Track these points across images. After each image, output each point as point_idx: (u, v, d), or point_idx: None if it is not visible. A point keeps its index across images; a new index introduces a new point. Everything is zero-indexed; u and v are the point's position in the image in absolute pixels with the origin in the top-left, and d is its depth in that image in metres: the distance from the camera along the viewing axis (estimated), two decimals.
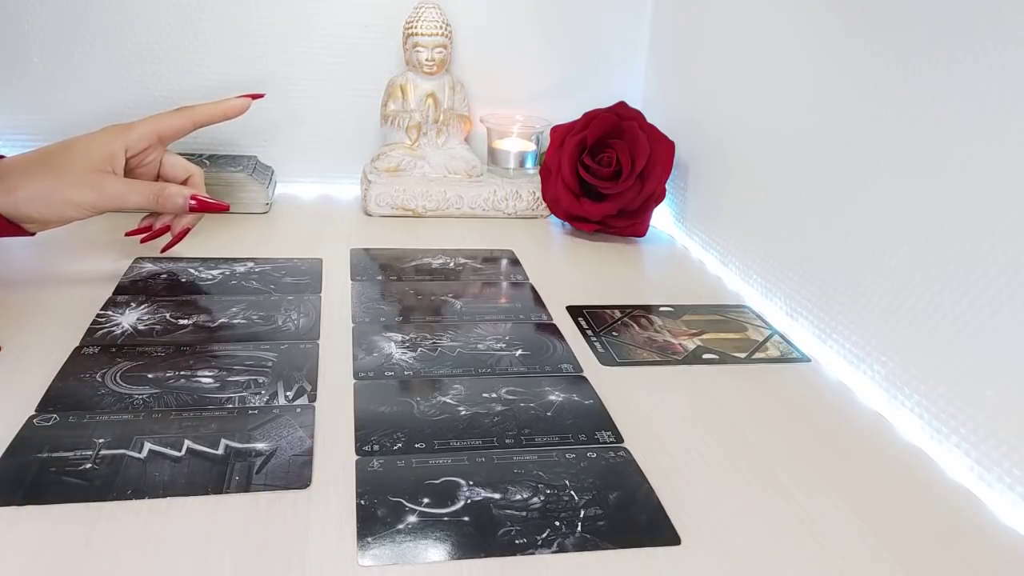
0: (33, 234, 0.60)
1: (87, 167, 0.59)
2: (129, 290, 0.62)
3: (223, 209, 0.64)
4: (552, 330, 0.61)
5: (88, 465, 0.41)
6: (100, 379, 0.49)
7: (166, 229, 0.66)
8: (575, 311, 0.64)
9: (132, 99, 0.87)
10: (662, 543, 0.38)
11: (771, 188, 0.68)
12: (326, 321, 0.59)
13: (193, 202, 0.63)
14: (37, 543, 0.36)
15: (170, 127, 0.65)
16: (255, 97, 0.70)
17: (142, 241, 0.66)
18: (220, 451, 0.43)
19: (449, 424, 0.47)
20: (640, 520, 0.40)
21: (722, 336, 0.62)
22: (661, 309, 0.66)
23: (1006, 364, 0.43)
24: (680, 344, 0.60)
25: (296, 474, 0.41)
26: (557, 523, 0.39)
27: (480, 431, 0.46)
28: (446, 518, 0.39)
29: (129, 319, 0.57)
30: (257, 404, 0.48)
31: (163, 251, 0.68)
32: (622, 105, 0.82)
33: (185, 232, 0.67)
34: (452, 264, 0.73)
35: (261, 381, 0.50)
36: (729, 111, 0.76)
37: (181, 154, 0.87)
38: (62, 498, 0.38)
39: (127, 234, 0.67)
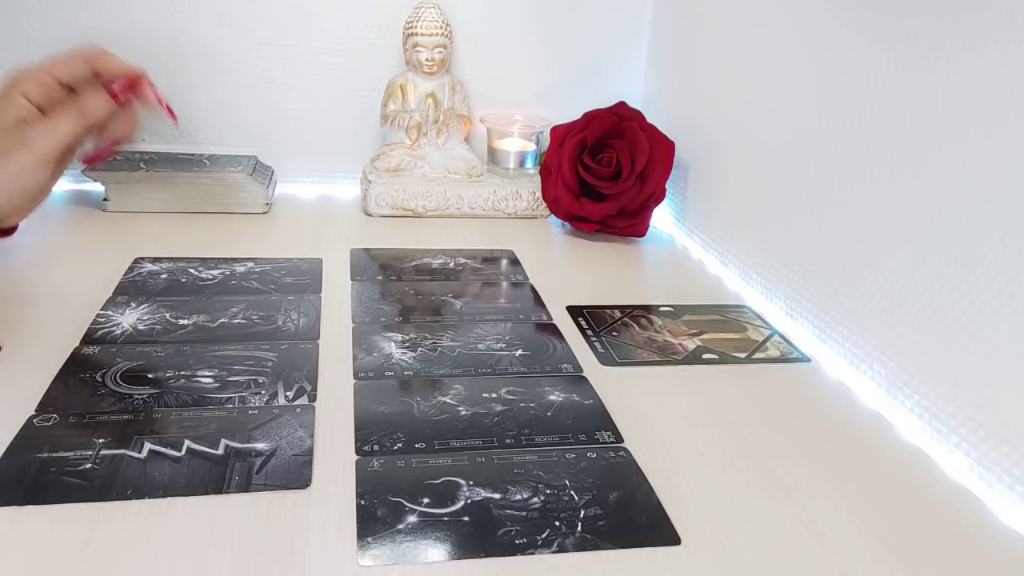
0: (11, 232, 0.58)
1: (7, 133, 0.54)
2: (129, 290, 0.62)
3: (139, 80, 0.58)
4: (552, 330, 0.61)
5: (88, 465, 0.41)
6: (100, 379, 0.49)
7: (112, 143, 0.61)
8: (575, 311, 0.64)
9: None
10: (662, 543, 0.38)
11: (771, 188, 0.68)
12: (326, 321, 0.59)
13: (115, 90, 0.57)
14: (37, 543, 0.36)
15: (70, 72, 0.57)
16: (166, 108, 0.62)
17: (89, 162, 0.61)
18: (220, 451, 0.43)
19: (449, 424, 0.47)
20: (640, 520, 0.40)
21: (722, 336, 0.62)
22: (661, 309, 0.66)
23: (1006, 364, 0.43)
24: (680, 344, 0.60)
25: (296, 474, 0.41)
26: (557, 523, 0.39)
27: (480, 431, 0.46)
28: (446, 518, 0.39)
29: (129, 319, 0.57)
30: (257, 404, 0.48)
31: (91, 161, 0.62)
32: (622, 105, 0.82)
33: (116, 142, 0.61)
34: (452, 264, 0.73)
35: (261, 381, 0.50)
36: (729, 111, 0.76)
37: (180, 154, 0.87)
38: (62, 498, 0.38)
39: (83, 164, 0.61)
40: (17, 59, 0.83)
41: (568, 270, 0.75)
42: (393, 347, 0.56)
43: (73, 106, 0.56)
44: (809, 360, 0.59)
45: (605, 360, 0.56)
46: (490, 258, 0.75)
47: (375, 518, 0.38)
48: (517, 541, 0.38)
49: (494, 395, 0.51)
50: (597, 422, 0.48)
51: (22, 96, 0.55)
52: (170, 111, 0.62)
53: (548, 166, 0.83)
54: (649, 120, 0.82)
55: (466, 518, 0.39)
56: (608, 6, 0.93)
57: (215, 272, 0.67)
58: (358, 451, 0.44)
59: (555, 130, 0.84)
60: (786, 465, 0.45)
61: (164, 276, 0.65)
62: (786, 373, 0.57)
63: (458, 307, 0.64)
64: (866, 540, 0.40)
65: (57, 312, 0.58)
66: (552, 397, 0.51)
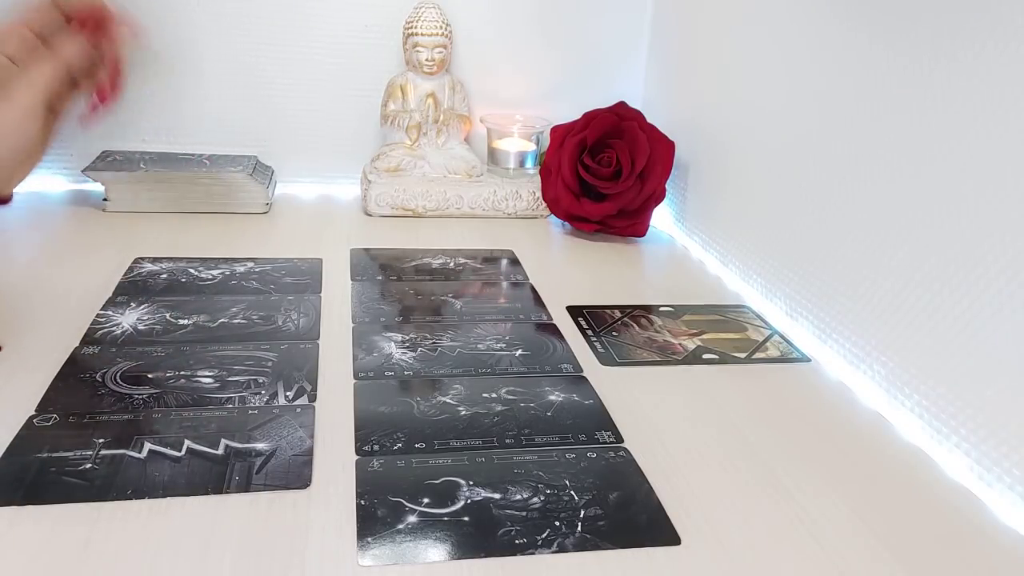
0: (7, 201, 0.55)
1: None
2: (129, 290, 0.62)
3: (104, 17, 0.56)
4: (552, 330, 0.61)
5: (88, 465, 0.41)
6: (100, 379, 0.49)
7: (104, 92, 0.58)
8: (575, 311, 0.64)
9: (131, 98, 0.87)
10: (662, 543, 0.38)
11: (771, 188, 0.68)
12: (326, 321, 0.59)
13: (85, 31, 0.55)
14: (37, 543, 0.36)
15: (40, 21, 0.55)
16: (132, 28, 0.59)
17: (92, 112, 0.58)
18: (220, 451, 0.43)
19: (449, 424, 0.47)
20: (640, 520, 0.40)
21: (722, 336, 0.62)
22: (661, 309, 0.66)
23: (1006, 364, 0.43)
24: (680, 344, 0.60)
25: (296, 474, 0.41)
26: (557, 523, 0.39)
27: (480, 431, 0.46)
28: (446, 518, 0.39)
29: (129, 319, 0.57)
30: (257, 404, 0.48)
31: (87, 118, 0.58)
32: (622, 105, 0.82)
33: (115, 77, 0.58)
34: (452, 264, 0.73)
35: (261, 381, 0.50)
36: (729, 111, 0.76)
37: (180, 154, 0.87)
38: (62, 498, 0.38)
39: (80, 123, 0.58)
40: None
41: (568, 270, 0.75)
42: (393, 347, 0.56)
43: (47, 53, 0.54)
44: (809, 360, 0.58)
45: (605, 360, 0.56)
46: (490, 258, 0.75)
47: (375, 518, 0.38)
48: (517, 541, 0.38)
49: (494, 395, 0.51)
50: (597, 422, 0.48)
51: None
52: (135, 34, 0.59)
53: (548, 166, 0.83)
54: (649, 120, 0.82)
55: (466, 518, 0.39)
56: (608, 6, 0.93)
57: (215, 272, 0.67)
58: (358, 451, 0.44)
59: (555, 130, 0.84)
60: (786, 465, 0.45)
61: (164, 276, 0.65)
62: (786, 373, 0.57)
63: (458, 307, 0.64)
64: (866, 540, 0.40)
65: (57, 312, 0.58)
66: (552, 397, 0.51)
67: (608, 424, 0.48)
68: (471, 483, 0.42)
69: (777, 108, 0.67)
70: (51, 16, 0.56)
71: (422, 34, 0.85)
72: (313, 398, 0.49)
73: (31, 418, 0.45)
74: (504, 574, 0.36)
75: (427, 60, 0.86)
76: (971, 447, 0.46)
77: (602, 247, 0.81)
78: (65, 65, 0.55)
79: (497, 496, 0.41)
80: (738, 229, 0.74)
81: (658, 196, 0.82)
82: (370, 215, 0.85)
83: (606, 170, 0.79)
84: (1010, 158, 0.43)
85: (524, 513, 0.40)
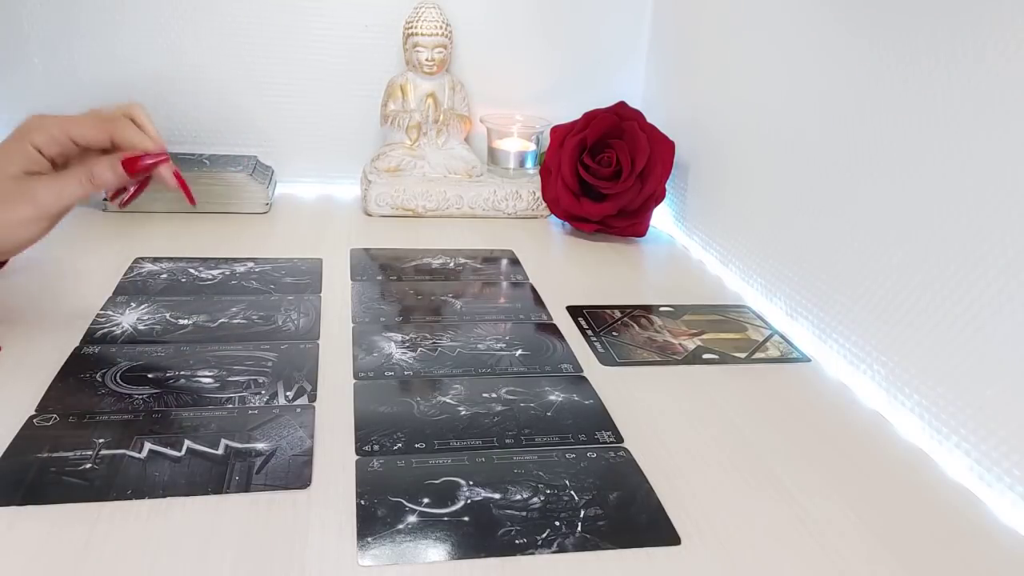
0: (1, 265, 0.57)
1: (12, 182, 0.52)
2: (129, 290, 0.62)
3: (163, 160, 0.56)
4: (552, 330, 0.61)
5: (88, 465, 0.41)
6: (100, 379, 0.49)
7: (141, 189, 0.59)
8: (575, 311, 0.64)
9: (132, 99, 0.87)
10: (662, 543, 0.38)
11: (771, 188, 0.68)
12: (326, 321, 0.59)
13: (126, 169, 0.55)
14: (37, 543, 0.36)
15: (85, 136, 0.55)
16: (184, 189, 0.60)
17: (122, 206, 0.60)
18: (220, 451, 0.43)
19: (449, 424, 0.47)
20: (640, 520, 0.40)
21: (722, 336, 0.62)
22: (661, 309, 0.66)
23: (1006, 364, 0.43)
24: (680, 344, 0.60)
25: (296, 474, 0.41)
26: (557, 523, 0.39)
27: (480, 431, 0.46)
28: (446, 518, 0.39)
29: (129, 319, 0.57)
30: (257, 404, 0.48)
31: (123, 206, 0.60)
32: (622, 105, 0.82)
33: (144, 183, 0.59)
34: (452, 264, 0.73)
35: (261, 381, 0.50)
36: (729, 111, 0.76)
37: (180, 154, 0.87)
38: (62, 498, 0.38)
39: (113, 201, 0.57)
40: (17, 60, 0.84)
41: (568, 270, 0.75)
42: (393, 347, 0.56)
43: (84, 170, 0.54)
44: (809, 360, 0.58)
45: (605, 360, 0.56)
46: (490, 258, 0.75)
47: (375, 518, 0.38)
48: (517, 541, 0.38)
49: (494, 395, 0.51)
50: (597, 422, 0.48)
51: (34, 148, 0.54)
52: (188, 192, 0.59)
53: (548, 166, 0.83)
54: (649, 120, 0.82)
55: (466, 518, 0.39)
56: (608, 6, 0.94)
57: (215, 272, 0.67)
58: (358, 451, 0.44)
59: (555, 130, 0.84)
60: (786, 465, 0.45)
61: (164, 276, 0.65)
62: (786, 373, 0.57)
63: (458, 307, 0.64)
64: (866, 540, 0.40)
65: (57, 312, 0.58)
66: (552, 397, 0.51)
67: (608, 424, 0.48)
68: (471, 483, 0.42)
69: (777, 108, 0.67)
70: (99, 136, 0.55)
71: (422, 34, 0.85)
72: (313, 398, 0.49)
73: (31, 418, 0.45)
74: (504, 574, 0.36)
75: (427, 60, 0.86)
76: (971, 447, 0.46)
77: (602, 247, 0.81)
78: (95, 189, 0.54)
79: (497, 496, 0.41)
80: (738, 229, 0.74)
81: (658, 196, 0.82)
82: (370, 215, 0.85)
83: (606, 170, 0.79)
84: (1010, 158, 0.43)
85: (524, 513, 0.40)
